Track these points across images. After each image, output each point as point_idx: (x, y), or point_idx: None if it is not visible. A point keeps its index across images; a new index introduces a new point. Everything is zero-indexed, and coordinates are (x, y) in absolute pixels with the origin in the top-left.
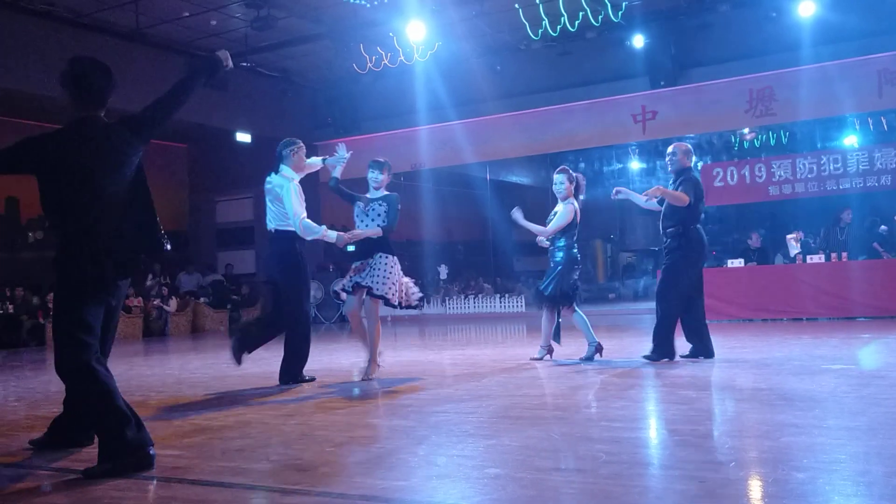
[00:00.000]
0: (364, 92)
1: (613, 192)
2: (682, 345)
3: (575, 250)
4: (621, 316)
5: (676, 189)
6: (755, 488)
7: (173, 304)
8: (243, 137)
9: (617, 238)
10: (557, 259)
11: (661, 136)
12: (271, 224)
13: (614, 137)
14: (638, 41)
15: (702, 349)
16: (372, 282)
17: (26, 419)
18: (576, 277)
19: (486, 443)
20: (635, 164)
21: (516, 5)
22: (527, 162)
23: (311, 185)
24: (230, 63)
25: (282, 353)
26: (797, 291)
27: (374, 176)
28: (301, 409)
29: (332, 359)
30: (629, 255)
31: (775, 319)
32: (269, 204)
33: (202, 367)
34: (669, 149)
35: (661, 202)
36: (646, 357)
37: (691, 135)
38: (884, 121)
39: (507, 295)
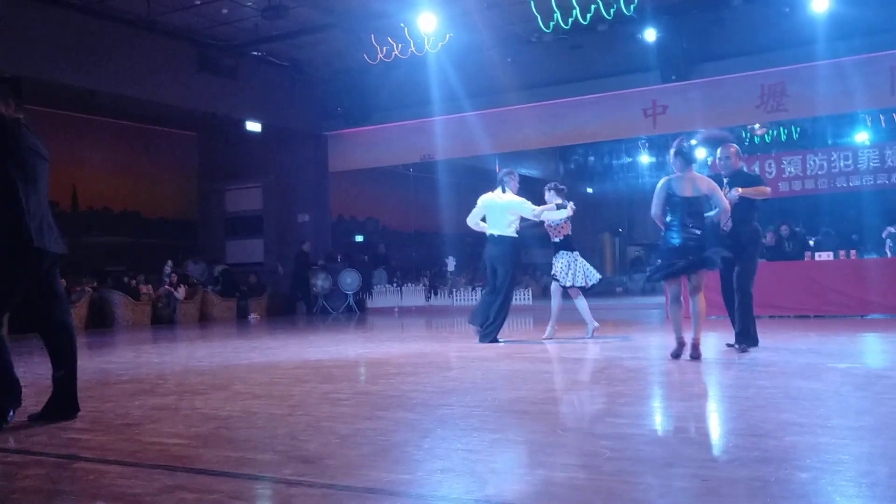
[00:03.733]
0: (374, 82)
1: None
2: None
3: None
4: (628, 310)
5: (729, 189)
6: (757, 487)
7: (182, 291)
8: (253, 126)
9: (625, 232)
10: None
11: (671, 131)
12: (496, 230)
13: (624, 131)
14: (650, 35)
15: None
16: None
17: (34, 407)
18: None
19: (491, 437)
20: (645, 158)
21: None
22: (537, 154)
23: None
24: None
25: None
26: (807, 289)
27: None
28: (306, 400)
29: (339, 349)
30: (637, 250)
31: (782, 316)
32: (493, 215)
33: (209, 354)
34: (719, 152)
35: (710, 204)
36: (734, 346)
37: (701, 130)
38: None
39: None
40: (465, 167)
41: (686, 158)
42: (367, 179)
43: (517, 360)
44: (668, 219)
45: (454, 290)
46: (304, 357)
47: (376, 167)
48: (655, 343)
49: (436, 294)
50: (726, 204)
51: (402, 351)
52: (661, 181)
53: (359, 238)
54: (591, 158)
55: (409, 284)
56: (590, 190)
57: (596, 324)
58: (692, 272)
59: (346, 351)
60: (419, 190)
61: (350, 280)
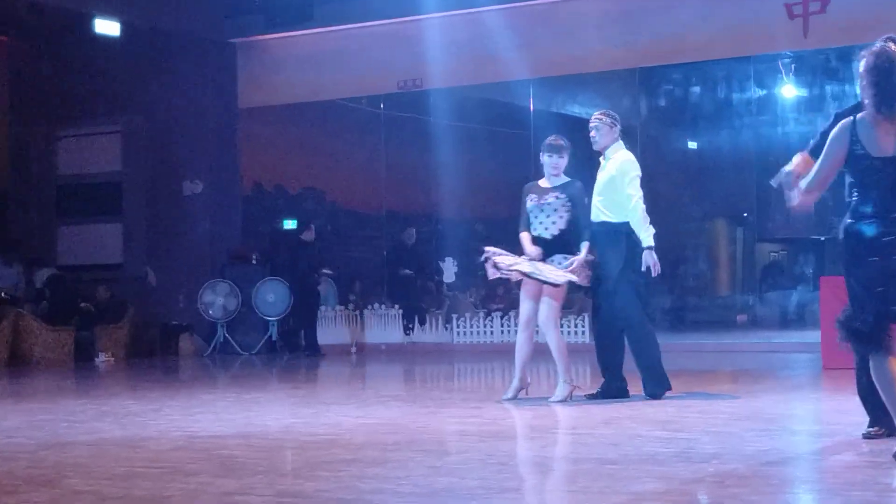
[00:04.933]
0: None
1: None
2: None
3: None
4: (757, 356)
5: None
6: None
7: None
8: (107, 28)
9: (753, 219)
10: None
11: (833, 44)
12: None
13: (752, 44)
14: None
15: None
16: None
17: None
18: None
19: None
20: (789, 91)
21: None
22: (600, 81)
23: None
24: None
25: None
26: None
27: (552, 161)
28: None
29: (252, 417)
30: (775, 250)
31: None
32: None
33: (27, 425)
34: None
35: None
36: None
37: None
38: None
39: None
40: (478, 103)
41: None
42: (304, 124)
43: (561, 437)
44: (855, 196)
45: (454, 316)
46: (190, 430)
47: (321, 102)
48: (826, 422)
49: (422, 323)
50: None
51: (361, 421)
52: (839, 126)
53: (289, 224)
54: (696, 90)
55: (376, 306)
56: (692, 144)
57: (571, 384)
58: None
59: (265, 420)
60: (396, 142)
61: (273, 298)
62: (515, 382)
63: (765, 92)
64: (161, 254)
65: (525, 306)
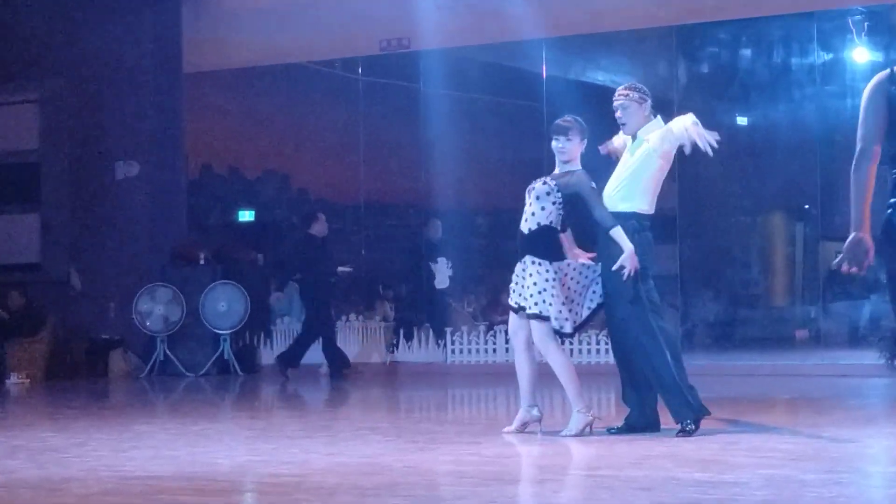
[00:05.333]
0: None
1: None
2: None
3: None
4: (820, 380)
5: None
6: None
7: None
8: None
9: (816, 212)
10: None
11: None
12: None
13: None
14: None
15: None
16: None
17: None
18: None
19: None
20: (860, 55)
21: None
22: (629, 42)
23: None
24: None
25: None
26: None
27: (556, 146)
28: None
29: (199, 453)
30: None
31: None
32: None
33: None
34: None
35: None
36: None
37: None
38: None
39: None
40: (479, 68)
41: None
42: (264, 94)
43: (578, 480)
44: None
45: (447, 330)
46: (122, 470)
47: (286, 66)
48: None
49: (409, 339)
50: None
51: (333, 460)
52: (874, 80)
53: (246, 216)
54: (746, 54)
55: (353, 317)
56: (742, 121)
57: (588, 414)
58: None
59: (215, 457)
60: (377, 116)
61: (226, 307)
62: (522, 413)
63: (831, 56)
64: (88, 251)
65: (514, 321)
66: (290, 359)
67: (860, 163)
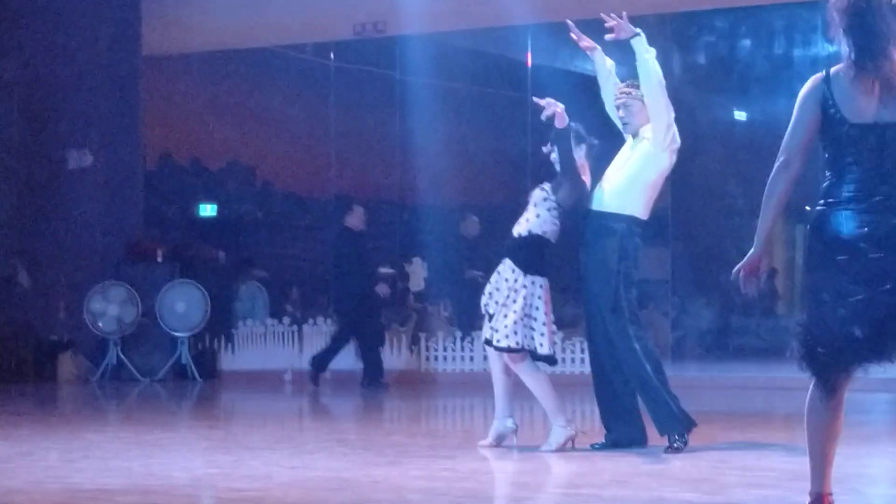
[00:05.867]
0: None
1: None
2: None
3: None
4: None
5: None
6: None
7: None
8: None
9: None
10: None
11: None
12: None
13: None
14: None
15: None
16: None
17: None
18: None
19: None
20: None
21: None
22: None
23: None
24: None
25: None
26: None
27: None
28: None
29: (153, 464)
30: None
31: None
32: None
33: None
34: None
35: None
36: None
37: None
38: None
39: (560, 332)
40: (460, 55)
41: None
42: (229, 79)
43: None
44: (829, 176)
45: (422, 336)
46: (71, 481)
47: (253, 51)
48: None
49: (380, 345)
50: None
51: (297, 474)
52: (809, 82)
53: (207, 210)
54: (745, 45)
55: (321, 320)
56: (740, 115)
57: (570, 428)
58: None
59: (170, 469)
60: (350, 105)
61: (184, 307)
62: (497, 424)
63: (836, 48)
64: (36, 246)
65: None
66: (321, 363)
67: (779, 175)
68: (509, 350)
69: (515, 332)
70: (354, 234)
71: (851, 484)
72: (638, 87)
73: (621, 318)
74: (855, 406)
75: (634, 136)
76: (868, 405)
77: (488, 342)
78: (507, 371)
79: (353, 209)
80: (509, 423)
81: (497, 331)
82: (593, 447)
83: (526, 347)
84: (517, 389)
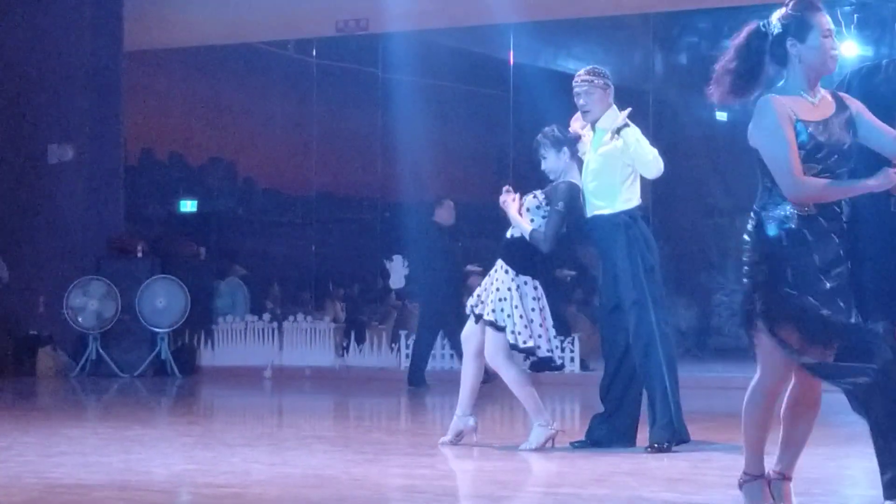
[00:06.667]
0: None
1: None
2: None
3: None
4: None
5: None
6: None
7: None
8: None
9: None
10: None
11: None
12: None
13: None
14: None
15: None
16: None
17: None
18: None
19: None
20: (849, 49)
21: None
22: (602, 30)
23: None
24: None
25: None
26: None
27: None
28: None
29: (131, 460)
30: None
31: None
32: None
33: None
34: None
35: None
36: None
37: None
38: None
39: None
40: (443, 53)
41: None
42: (211, 75)
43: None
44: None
45: (402, 333)
46: (49, 477)
47: (235, 47)
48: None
49: (360, 342)
50: None
51: (276, 470)
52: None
53: (188, 206)
54: (728, 44)
55: (301, 317)
56: (721, 116)
57: (550, 428)
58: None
59: (149, 465)
60: (332, 102)
61: (164, 303)
62: (456, 421)
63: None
64: (16, 241)
65: (469, 326)
66: (417, 375)
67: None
68: (521, 349)
69: (528, 331)
70: (444, 229)
71: (832, 485)
72: (600, 74)
73: (645, 312)
74: (834, 407)
75: (594, 130)
76: (846, 405)
77: (514, 346)
78: (478, 371)
79: (442, 203)
80: (470, 421)
81: (518, 333)
82: (573, 445)
83: (526, 347)
84: (496, 391)
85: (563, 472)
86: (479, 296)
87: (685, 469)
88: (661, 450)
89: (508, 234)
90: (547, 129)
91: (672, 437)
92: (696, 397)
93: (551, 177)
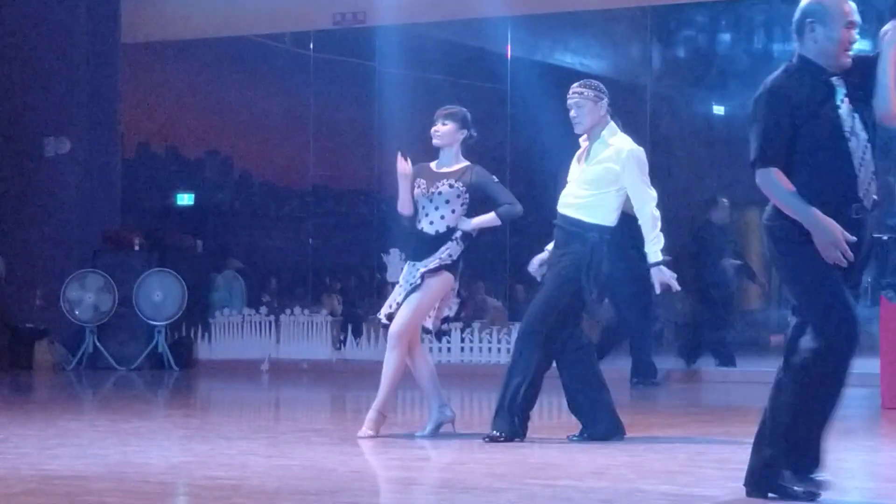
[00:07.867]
0: None
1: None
2: None
3: None
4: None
5: None
6: None
7: None
8: None
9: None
10: None
11: None
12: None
13: None
14: None
15: None
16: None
17: None
18: None
19: None
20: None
21: None
22: (600, 23)
23: None
24: None
25: None
26: None
27: (433, 129)
28: None
29: (129, 452)
30: None
31: None
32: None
33: None
34: None
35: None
36: None
37: None
38: None
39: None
40: (440, 46)
41: None
42: (207, 68)
43: (536, 489)
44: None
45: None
46: (46, 469)
47: (231, 40)
48: None
49: (357, 335)
50: None
51: (273, 462)
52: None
53: (184, 199)
54: (725, 38)
55: (298, 311)
56: (718, 109)
57: (448, 413)
58: None
59: (146, 457)
60: (329, 95)
61: (161, 296)
62: (435, 414)
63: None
64: (13, 234)
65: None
66: (645, 367)
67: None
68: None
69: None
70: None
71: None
72: (591, 87)
73: (552, 320)
74: None
75: (592, 140)
76: (845, 400)
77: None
78: (428, 361)
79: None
80: (447, 411)
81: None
82: (570, 439)
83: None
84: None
85: (561, 464)
86: (400, 292)
87: (682, 462)
88: (495, 440)
89: (434, 231)
90: (463, 108)
91: (511, 430)
92: (693, 391)
93: (440, 142)
